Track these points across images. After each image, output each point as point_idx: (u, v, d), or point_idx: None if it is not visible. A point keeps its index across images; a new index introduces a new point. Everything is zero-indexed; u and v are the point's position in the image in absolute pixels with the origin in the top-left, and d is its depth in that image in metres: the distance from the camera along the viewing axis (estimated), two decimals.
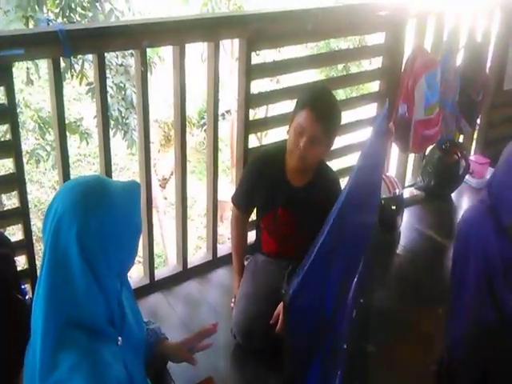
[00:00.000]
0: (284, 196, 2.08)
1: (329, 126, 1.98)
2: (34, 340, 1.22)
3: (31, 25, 4.61)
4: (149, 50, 2.24)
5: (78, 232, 1.13)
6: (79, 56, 4.75)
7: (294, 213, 2.08)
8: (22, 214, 1.99)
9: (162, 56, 5.93)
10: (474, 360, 1.75)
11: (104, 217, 1.16)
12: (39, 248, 5.96)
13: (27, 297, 1.81)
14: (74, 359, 1.14)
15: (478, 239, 1.75)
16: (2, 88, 1.87)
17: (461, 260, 1.80)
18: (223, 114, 7.91)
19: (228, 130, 7.98)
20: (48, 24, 4.11)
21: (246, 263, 2.26)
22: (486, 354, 1.73)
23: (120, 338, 1.28)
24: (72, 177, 2.07)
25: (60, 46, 1.84)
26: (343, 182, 2.21)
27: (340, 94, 6.83)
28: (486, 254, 1.73)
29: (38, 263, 2.19)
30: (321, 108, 1.95)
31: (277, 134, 2.74)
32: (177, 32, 2.17)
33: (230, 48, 6.89)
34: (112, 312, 1.24)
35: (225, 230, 5.18)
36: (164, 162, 7.91)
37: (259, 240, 2.26)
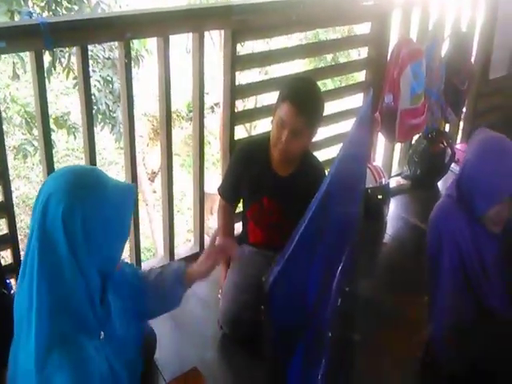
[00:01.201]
0: (269, 185, 2.09)
1: (310, 117, 1.97)
2: (19, 325, 1.23)
3: (16, 19, 4.56)
4: (136, 43, 2.23)
5: (64, 212, 1.14)
6: (66, 50, 4.71)
7: (280, 202, 2.09)
8: (5, 208, 1.97)
9: (149, 49, 5.89)
10: (454, 349, 1.78)
11: (91, 204, 1.17)
12: None
13: (12, 291, 1.80)
14: (60, 358, 1.15)
15: (450, 230, 1.79)
16: None
17: (435, 252, 1.83)
18: (212, 107, 7.88)
19: (217, 122, 7.95)
20: (30, 17, 4.06)
21: None
22: (468, 347, 1.76)
23: (102, 333, 1.28)
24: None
25: (42, 38, 1.83)
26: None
27: (328, 85, 6.83)
28: (458, 243, 1.77)
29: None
30: (301, 100, 1.92)
31: (266, 126, 2.74)
32: (160, 23, 2.16)
33: (218, 40, 6.86)
34: (94, 303, 1.24)
35: (215, 222, 5.18)
36: (153, 155, 7.88)
37: (246, 231, 2.26)
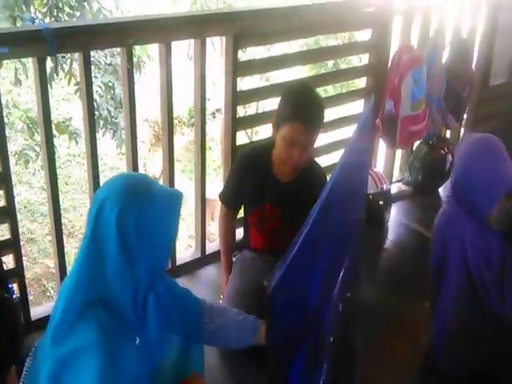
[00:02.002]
0: (271, 192, 2.08)
1: (318, 128, 1.97)
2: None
3: (18, 25, 4.58)
4: (138, 49, 2.25)
5: (118, 214, 1.20)
6: (67, 56, 4.73)
7: (282, 208, 2.09)
8: (8, 213, 1.98)
9: (151, 55, 5.91)
10: (456, 354, 1.78)
11: (144, 208, 1.23)
12: (29, 249, 5.94)
13: (14, 296, 1.81)
14: (94, 334, 1.19)
15: (455, 235, 1.79)
16: None
17: (440, 257, 1.83)
18: (213, 113, 7.89)
19: (219, 128, 7.96)
20: (33, 23, 4.08)
21: (233, 260, 2.26)
22: (471, 352, 1.75)
23: (138, 339, 1.30)
24: (60, 177, 2.07)
25: (45, 44, 1.84)
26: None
27: (329, 91, 6.84)
28: (464, 247, 1.77)
29: (26, 263, 2.19)
30: (309, 117, 1.91)
31: (267, 131, 2.75)
32: (162, 29, 2.17)
33: (220, 46, 6.88)
34: (137, 306, 1.27)
35: (216, 228, 5.18)
36: (154, 161, 7.89)
37: (247, 236, 2.26)
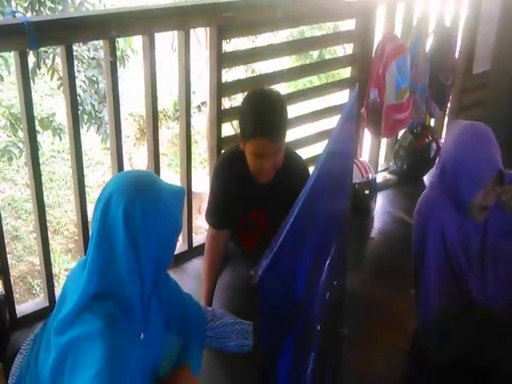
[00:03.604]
0: (254, 197, 2.03)
1: (284, 134, 1.91)
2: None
3: (0, 19, 4.52)
4: (121, 43, 2.22)
5: (125, 208, 1.23)
6: (50, 50, 4.67)
7: (268, 211, 2.04)
8: None
9: (135, 49, 5.86)
10: (437, 338, 1.80)
11: (149, 201, 1.26)
12: (14, 247, 5.88)
13: (0, 292, 1.79)
14: (100, 324, 1.20)
15: (435, 221, 1.81)
16: None
17: (420, 242, 1.85)
18: (199, 106, 7.85)
19: (205, 121, 7.92)
20: (14, 16, 4.03)
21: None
22: (451, 336, 1.78)
23: (142, 334, 1.31)
24: (44, 173, 2.06)
25: (26, 38, 1.81)
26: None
27: (314, 81, 6.85)
28: (444, 233, 1.79)
29: (11, 261, 2.17)
30: (271, 130, 1.85)
31: None
32: (145, 21, 2.15)
33: (204, 39, 6.84)
34: (143, 300, 1.28)
35: (202, 221, 5.18)
36: (140, 155, 7.84)
37: (235, 239, 2.20)
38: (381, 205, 3.05)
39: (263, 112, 1.87)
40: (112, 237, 1.23)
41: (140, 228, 1.23)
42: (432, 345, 1.81)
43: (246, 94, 2.01)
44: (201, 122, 7.55)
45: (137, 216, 1.23)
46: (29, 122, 1.98)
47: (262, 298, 0.94)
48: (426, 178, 3.37)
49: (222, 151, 2.47)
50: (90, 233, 1.30)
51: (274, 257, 0.96)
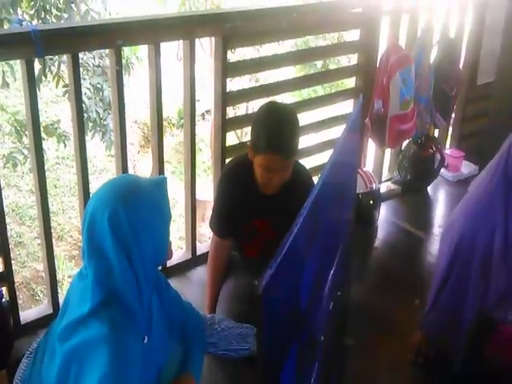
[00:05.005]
0: (259, 207, 2.02)
1: (294, 154, 1.90)
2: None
3: (6, 27, 4.55)
4: (127, 51, 2.24)
5: (110, 217, 1.24)
6: (55, 58, 4.70)
7: (272, 220, 2.03)
8: None
9: (139, 57, 5.89)
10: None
11: (133, 202, 1.27)
12: (17, 253, 5.88)
13: (3, 300, 1.79)
14: (105, 330, 1.20)
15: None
16: None
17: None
18: (203, 114, 7.88)
19: (208, 129, 7.95)
20: (21, 24, 4.06)
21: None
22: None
23: (146, 338, 1.32)
24: (49, 180, 2.07)
25: (33, 46, 1.82)
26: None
27: (319, 91, 6.87)
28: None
29: (14, 267, 2.18)
30: (283, 148, 1.84)
31: None
32: (151, 31, 2.16)
33: (209, 47, 6.87)
34: (143, 301, 1.29)
35: (207, 229, 5.19)
36: (144, 162, 7.87)
37: (239, 247, 2.20)
38: (384, 215, 3.04)
39: (278, 129, 1.86)
40: (102, 247, 1.25)
41: (128, 234, 1.25)
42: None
43: (261, 105, 1.98)
44: (205, 130, 7.58)
45: (123, 224, 1.24)
46: (35, 128, 1.99)
47: (266, 308, 0.94)
48: (430, 189, 3.37)
49: (227, 160, 2.48)
50: (82, 246, 1.32)
51: (277, 267, 0.96)
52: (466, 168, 3.52)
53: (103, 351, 1.19)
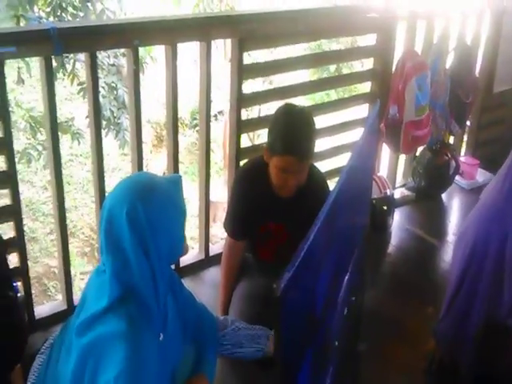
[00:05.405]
0: (273, 210, 2.01)
1: (310, 157, 1.90)
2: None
3: (22, 24, 4.58)
4: (141, 50, 2.25)
5: (128, 212, 1.25)
6: (70, 56, 4.73)
7: (286, 224, 2.03)
8: (13, 212, 1.98)
9: (153, 56, 5.92)
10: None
11: (150, 198, 1.28)
12: (30, 248, 5.92)
13: (19, 294, 1.81)
14: (123, 326, 1.21)
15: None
16: None
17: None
18: (216, 115, 7.89)
19: (221, 130, 7.96)
20: (39, 22, 4.09)
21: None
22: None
23: (162, 335, 1.32)
24: (63, 177, 2.10)
25: (51, 44, 1.84)
26: (336, 182, 2.19)
27: (331, 95, 6.86)
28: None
29: (29, 262, 2.20)
30: (299, 151, 1.83)
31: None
32: (169, 31, 2.18)
33: (222, 49, 6.89)
34: (159, 298, 1.29)
35: (218, 230, 5.20)
36: (156, 162, 7.89)
37: (253, 249, 2.19)
38: (398, 221, 3.03)
39: (296, 131, 1.85)
40: (120, 242, 1.26)
41: (146, 229, 1.26)
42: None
43: (278, 107, 1.97)
44: (217, 131, 7.60)
45: (140, 219, 1.25)
46: (52, 125, 2.01)
47: (283, 312, 0.94)
48: (445, 196, 3.35)
49: (241, 162, 2.48)
50: (99, 242, 1.33)
51: (295, 270, 0.96)
52: (481, 176, 3.50)
53: (120, 347, 1.19)
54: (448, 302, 1.87)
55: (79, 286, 4.61)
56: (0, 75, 1.83)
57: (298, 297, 1.01)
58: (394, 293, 2.45)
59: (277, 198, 1.98)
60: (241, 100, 2.46)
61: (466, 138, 3.73)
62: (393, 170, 3.32)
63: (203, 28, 2.27)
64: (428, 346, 1.99)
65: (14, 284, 1.82)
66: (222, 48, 6.74)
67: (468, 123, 3.56)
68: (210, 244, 2.65)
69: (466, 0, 3.26)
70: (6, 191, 2.00)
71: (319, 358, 1.20)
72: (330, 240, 1.23)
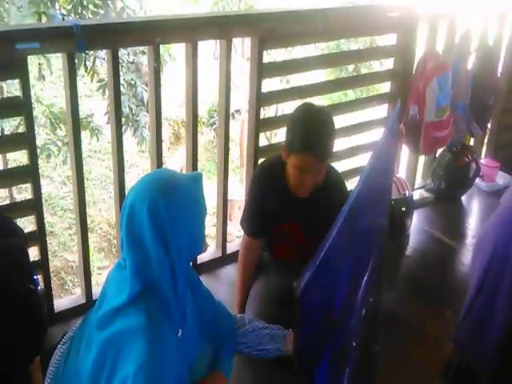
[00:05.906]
0: (290, 210, 2.00)
1: (328, 157, 1.89)
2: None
3: (44, 21, 4.64)
4: (160, 48, 2.25)
5: (149, 207, 1.27)
6: (91, 53, 4.78)
7: (302, 225, 2.03)
8: (35, 206, 2.00)
9: (172, 54, 5.95)
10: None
11: (171, 195, 1.30)
12: (49, 242, 6.01)
13: (39, 287, 1.83)
14: (143, 320, 1.23)
15: None
16: (17, 81, 1.89)
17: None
18: (233, 114, 7.92)
19: (238, 129, 7.99)
20: (63, 19, 4.13)
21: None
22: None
23: (180, 331, 1.33)
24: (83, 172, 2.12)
25: (74, 40, 1.86)
26: (353, 183, 2.17)
27: (350, 95, 6.83)
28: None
29: (49, 256, 2.23)
30: (318, 150, 1.83)
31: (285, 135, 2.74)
32: (189, 29, 2.18)
33: (240, 47, 6.90)
34: (177, 294, 1.30)
35: (233, 228, 5.23)
36: (174, 159, 7.94)
37: (269, 248, 2.19)
38: (417, 223, 3.00)
39: (315, 130, 1.85)
40: (141, 238, 1.27)
41: (167, 225, 1.27)
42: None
43: (297, 106, 1.97)
44: (234, 130, 7.61)
45: (161, 214, 1.27)
46: (74, 121, 2.02)
47: (303, 311, 0.93)
48: (464, 198, 3.31)
49: (259, 160, 2.48)
50: (120, 237, 1.35)
51: (316, 270, 0.96)
52: (501, 179, 3.45)
53: (140, 341, 1.20)
54: (468, 305, 1.85)
55: (96, 280, 4.66)
56: (24, 71, 1.85)
57: (317, 296, 1.01)
58: (411, 295, 2.42)
59: (293, 197, 1.98)
60: (260, 99, 2.46)
61: (486, 139, 3.69)
62: (412, 171, 3.29)
63: (224, 26, 2.27)
64: (446, 350, 1.96)
65: (35, 277, 1.84)
66: (239, 47, 6.75)
67: (489, 125, 3.52)
68: (227, 242, 2.66)
69: (488, 0, 3.21)
70: (26, 186, 2.02)
71: (337, 358, 1.20)
72: (349, 240, 1.23)
